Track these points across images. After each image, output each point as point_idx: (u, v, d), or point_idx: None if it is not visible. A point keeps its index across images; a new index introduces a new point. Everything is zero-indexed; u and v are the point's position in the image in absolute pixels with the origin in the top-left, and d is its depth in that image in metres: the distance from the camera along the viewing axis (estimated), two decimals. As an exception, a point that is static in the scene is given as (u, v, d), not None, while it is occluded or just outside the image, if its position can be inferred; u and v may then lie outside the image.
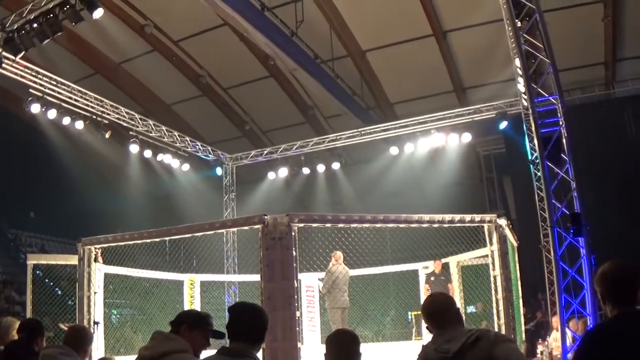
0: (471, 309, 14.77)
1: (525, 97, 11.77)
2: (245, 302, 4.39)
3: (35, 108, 15.21)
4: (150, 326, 14.14)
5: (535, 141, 9.73)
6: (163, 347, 4.35)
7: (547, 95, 9.82)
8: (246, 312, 4.05)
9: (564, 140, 9.61)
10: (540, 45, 10.09)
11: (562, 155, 9.62)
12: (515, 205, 22.39)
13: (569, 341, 9.58)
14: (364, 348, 12.05)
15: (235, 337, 3.93)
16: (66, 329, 13.00)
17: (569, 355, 9.27)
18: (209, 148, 21.22)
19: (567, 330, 9.68)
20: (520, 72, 12.65)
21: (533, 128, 9.67)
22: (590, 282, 9.18)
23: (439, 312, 4.11)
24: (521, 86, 14.44)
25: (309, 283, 15.33)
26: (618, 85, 21.20)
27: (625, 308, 3.37)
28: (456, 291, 13.90)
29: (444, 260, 14.59)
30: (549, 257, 15.71)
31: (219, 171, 21.81)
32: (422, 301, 12.03)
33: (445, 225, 9.60)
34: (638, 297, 3.40)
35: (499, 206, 23.99)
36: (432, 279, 14.50)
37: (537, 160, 10.61)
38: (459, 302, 13.53)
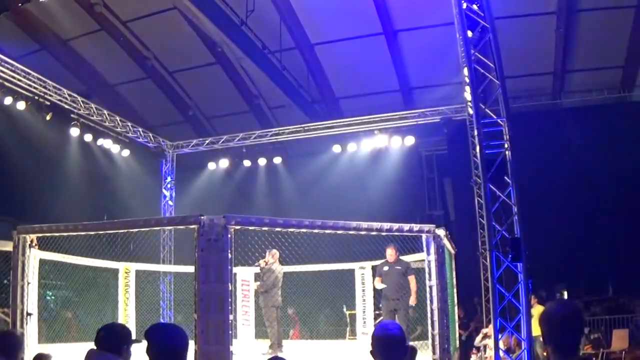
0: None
1: (471, 105, 11.83)
2: (163, 323, 4.28)
3: (-23, 87, 14.90)
4: (86, 309, 13.99)
5: (479, 162, 9.76)
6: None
7: (494, 117, 9.86)
8: (164, 335, 3.90)
9: (508, 164, 9.66)
10: (492, 65, 10.11)
11: (506, 177, 9.68)
12: (455, 206, 22.64)
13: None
14: (298, 345, 12.09)
15: None
16: (1, 315, 12.84)
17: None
18: (150, 135, 20.96)
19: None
20: (467, 81, 12.74)
21: (477, 149, 9.71)
22: (526, 306, 9.29)
23: (393, 346, 4.03)
24: (467, 95, 14.55)
25: (245, 277, 15.28)
26: (565, 96, 21.47)
27: (563, 358, 3.35)
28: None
29: (378, 262, 13.73)
30: (485, 264, 15.96)
31: (159, 159, 21.54)
32: (358, 297, 12.04)
33: (384, 234, 9.57)
34: (580, 344, 3.38)
35: (438, 206, 24.23)
36: (386, 269, 12.67)
37: (479, 182, 10.68)
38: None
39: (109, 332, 4.52)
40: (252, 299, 15.12)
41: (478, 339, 14.34)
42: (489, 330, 13.59)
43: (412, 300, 12.13)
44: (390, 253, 12.55)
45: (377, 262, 13.87)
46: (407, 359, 4.19)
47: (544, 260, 19.31)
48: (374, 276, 13.56)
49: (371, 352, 4.11)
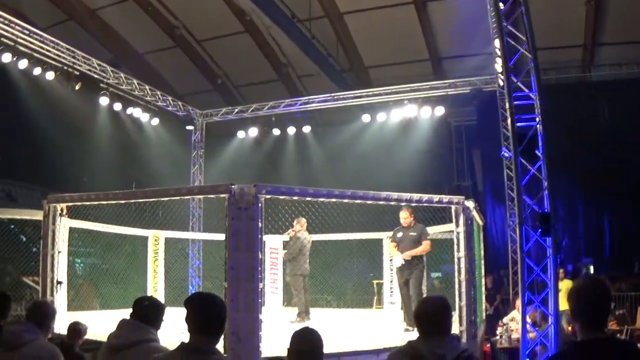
0: (433, 275, 14.90)
1: (502, 77, 11.71)
2: (202, 293, 4.33)
3: (6, 57, 15.00)
4: (115, 277, 14.13)
5: (510, 135, 9.69)
6: (132, 336, 4.34)
7: (526, 91, 9.75)
8: (205, 304, 3.96)
9: (539, 138, 9.57)
10: (523, 38, 9.97)
11: (536, 151, 9.59)
12: (483, 178, 22.55)
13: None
14: (326, 313, 12.12)
15: (194, 331, 3.86)
16: (29, 282, 13.04)
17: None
18: (180, 103, 21.01)
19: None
20: (499, 52, 12.61)
21: (509, 122, 9.61)
22: (554, 281, 9.25)
23: (434, 321, 4.16)
24: (498, 66, 14.42)
25: (273, 245, 15.36)
26: (595, 70, 21.21)
27: (591, 334, 3.37)
28: None
29: None
30: (514, 236, 15.92)
31: (188, 127, 21.59)
32: (385, 267, 11.80)
33: (413, 204, 9.56)
34: (607, 321, 3.40)
35: (467, 177, 24.13)
36: (400, 235, 11.55)
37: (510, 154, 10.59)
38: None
39: (150, 301, 4.60)
40: (281, 267, 15.21)
41: (507, 318, 14.31)
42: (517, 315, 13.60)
43: (406, 255, 11.11)
44: (404, 216, 11.41)
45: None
46: None
47: (571, 235, 19.29)
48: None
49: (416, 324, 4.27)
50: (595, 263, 19.66)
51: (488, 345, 13.72)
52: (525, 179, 9.44)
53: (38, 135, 20.86)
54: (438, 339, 4.08)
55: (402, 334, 10.25)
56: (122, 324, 4.52)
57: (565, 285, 13.12)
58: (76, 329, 8.02)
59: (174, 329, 6.42)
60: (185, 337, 3.91)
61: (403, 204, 9.61)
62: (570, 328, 13.67)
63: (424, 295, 10.88)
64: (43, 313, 5.25)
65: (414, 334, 4.20)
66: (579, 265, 19.32)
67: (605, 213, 19.48)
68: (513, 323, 13.39)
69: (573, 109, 18.58)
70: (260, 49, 22.60)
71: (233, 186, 8.09)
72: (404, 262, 11.24)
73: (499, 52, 12.88)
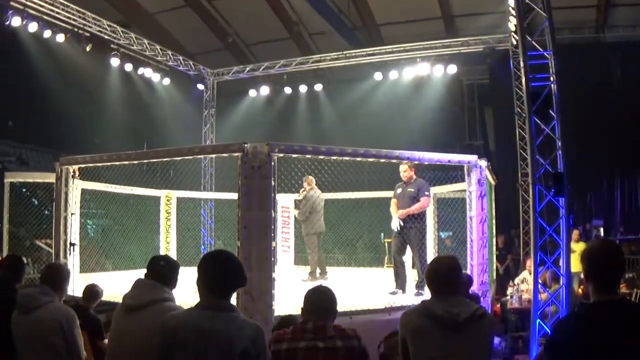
0: (444, 234, 14.91)
1: (515, 36, 11.61)
2: (216, 252, 4.34)
3: (16, 21, 14.97)
4: (127, 238, 14.21)
5: (522, 94, 9.62)
6: (148, 296, 4.37)
7: (541, 50, 9.65)
8: (219, 263, 3.99)
9: (554, 98, 9.49)
10: (539, -2, 9.84)
11: (550, 111, 9.52)
12: (495, 137, 22.49)
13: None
14: (337, 272, 12.09)
15: (212, 289, 3.89)
16: (42, 246, 13.14)
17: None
18: (191, 63, 20.96)
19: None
20: (513, 12, 12.49)
21: (523, 81, 9.53)
22: (566, 241, 9.24)
23: (447, 281, 4.22)
24: (512, 25, 14.28)
25: (285, 204, 15.39)
26: (608, 30, 20.96)
27: (604, 295, 3.37)
28: (430, 219, 13.29)
29: None
30: (525, 196, 15.89)
31: (200, 86, 21.55)
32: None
33: (426, 163, 9.52)
34: (620, 283, 3.40)
35: (478, 136, 24.06)
36: (399, 190, 10.78)
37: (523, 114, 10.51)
38: (432, 230, 13.61)
39: (166, 261, 4.62)
40: (292, 225, 15.25)
41: (518, 279, 14.33)
42: (528, 275, 13.62)
43: (401, 214, 10.34)
44: (403, 170, 10.58)
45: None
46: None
47: (582, 196, 19.23)
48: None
49: (428, 284, 4.35)
50: (605, 225, 19.64)
51: (498, 305, 13.78)
52: (540, 139, 9.39)
53: (49, 98, 20.84)
54: (451, 298, 4.12)
55: (414, 293, 10.26)
56: (138, 283, 4.55)
57: (579, 247, 13.08)
58: (92, 291, 8.06)
59: (186, 289, 6.48)
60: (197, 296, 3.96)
61: (416, 162, 9.52)
62: (580, 290, 13.71)
63: (433, 257, 10.76)
64: (57, 275, 5.29)
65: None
66: (589, 227, 19.31)
67: (616, 175, 19.42)
68: (523, 284, 13.43)
69: (586, 70, 18.44)
70: (271, 7, 22.40)
71: (246, 145, 8.09)
72: (401, 224, 10.39)
73: (513, 12, 12.74)
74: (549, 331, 8.66)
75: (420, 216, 10.46)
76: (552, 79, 9.64)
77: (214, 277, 3.92)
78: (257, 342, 3.76)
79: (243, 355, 3.66)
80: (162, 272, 4.54)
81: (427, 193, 10.51)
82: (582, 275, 3.68)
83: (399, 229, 10.43)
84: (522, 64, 9.60)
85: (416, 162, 9.93)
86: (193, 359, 3.73)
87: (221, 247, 16.52)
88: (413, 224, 10.35)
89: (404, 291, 10.40)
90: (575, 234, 14.10)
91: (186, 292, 6.46)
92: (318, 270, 13.10)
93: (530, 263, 13.01)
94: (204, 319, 3.78)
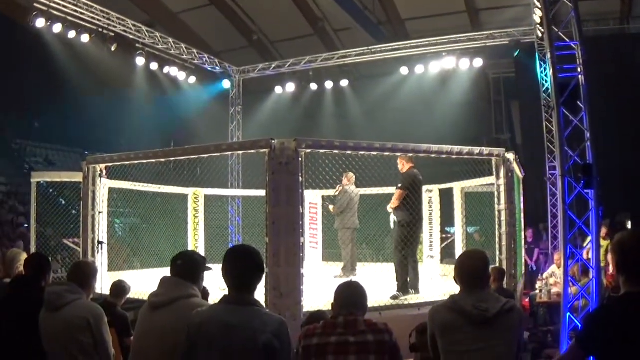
0: (471, 229, 14.83)
1: (541, 29, 11.51)
2: (241, 246, 4.36)
3: (40, 22, 15.13)
4: (155, 236, 14.27)
5: (549, 86, 9.53)
6: (172, 293, 4.38)
7: (567, 41, 9.55)
8: (242, 257, 4.02)
9: (581, 89, 9.39)
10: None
11: (578, 103, 9.42)
12: (522, 130, 22.36)
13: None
14: (366, 267, 11.94)
15: (234, 284, 3.93)
16: (70, 245, 13.23)
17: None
18: (216, 60, 21.03)
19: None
20: (538, 4, 12.39)
21: (551, 73, 9.44)
22: (596, 234, 9.14)
23: (476, 275, 4.22)
24: (537, 17, 14.16)
25: (313, 200, 15.39)
26: (633, 21, 20.77)
27: (635, 287, 3.33)
28: (458, 214, 13.53)
29: (447, 185, 13.75)
30: (553, 190, 15.77)
31: (226, 84, 21.61)
32: (429, 220, 11.17)
33: (454, 157, 9.46)
34: None
35: (505, 130, 23.94)
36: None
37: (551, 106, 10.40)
38: (460, 224, 13.57)
39: (184, 259, 4.62)
40: (320, 222, 15.25)
41: (547, 273, 14.24)
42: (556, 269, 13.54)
43: (389, 207, 10.12)
44: (398, 164, 10.39)
45: (444, 186, 13.95)
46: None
47: (608, 188, 19.04)
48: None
49: (454, 277, 4.34)
50: (633, 216, 19.43)
51: (527, 299, 13.69)
52: (568, 130, 9.30)
53: (75, 99, 21.04)
54: (480, 292, 4.11)
55: (442, 288, 10.22)
56: (163, 281, 4.55)
57: (606, 243, 12.93)
58: (119, 287, 8.11)
59: (215, 285, 6.49)
60: (226, 293, 3.99)
61: (444, 156, 9.43)
62: (607, 284, 13.59)
63: (420, 260, 10.56)
64: (84, 273, 5.29)
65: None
66: (617, 219, 19.12)
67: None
68: (552, 278, 13.34)
69: (611, 61, 18.27)
70: (295, 3, 22.44)
71: (274, 141, 8.09)
72: (394, 218, 10.11)
73: (538, 3, 12.63)
74: (580, 325, 8.58)
75: (406, 209, 9.86)
76: (579, 69, 9.54)
77: (233, 272, 3.95)
78: (281, 336, 3.76)
79: (267, 349, 3.67)
80: (185, 270, 4.53)
81: (400, 185, 9.98)
82: (608, 269, 3.65)
83: (393, 223, 10.15)
84: (549, 54, 9.50)
85: (422, 155, 9.52)
86: (218, 354, 3.74)
87: (250, 244, 16.55)
88: (399, 220, 9.96)
89: (406, 292, 9.68)
90: (603, 231, 13.93)
91: (214, 288, 6.50)
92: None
93: (558, 257, 12.89)
94: (227, 314, 3.80)
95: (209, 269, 4.70)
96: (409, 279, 9.75)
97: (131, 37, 17.54)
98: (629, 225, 18.51)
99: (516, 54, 18.13)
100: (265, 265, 7.55)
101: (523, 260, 14.12)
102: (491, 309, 3.98)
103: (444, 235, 14.37)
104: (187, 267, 4.55)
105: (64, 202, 14.28)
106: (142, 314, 4.53)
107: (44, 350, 4.91)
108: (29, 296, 5.27)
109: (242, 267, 3.96)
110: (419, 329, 5.14)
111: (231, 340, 3.71)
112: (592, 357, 3.50)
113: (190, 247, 15.13)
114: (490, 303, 4.03)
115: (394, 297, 9.32)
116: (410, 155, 9.89)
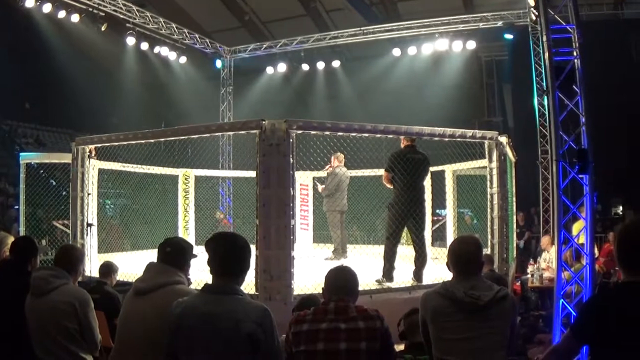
0: (464, 211, 14.80)
1: (535, 12, 11.42)
2: (223, 233, 4.28)
3: (30, 2, 15.03)
4: (146, 217, 14.18)
5: (547, 70, 9.41)
6: (158, 279, 4.31)
7: (564, 24, 9.45)
8: (227, 245, 3.95)
9: (577, 72, 9.29)
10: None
11: (574, 87, 9.32)
12: (514, 113, 22.33)
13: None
14: (357, 249, 11.76)
15: (217, 272, 3.88)
16: (60, 227, 13.13)
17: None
18: (207, 40, 20.90)
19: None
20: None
21: (546, 56, 9.30)
22: (590, 219, 9.08)
23: (469, 261, 4.16)
24: (531, 0, 14.08)
25: (303, 181, 15.30)
26: (627, 7, 20.70)
27: (633, 276, 3.27)
28: (450, 197, 13.41)
29: (439, 168, 13.41)
30: (545, 174, 15.73)
31: (218, 64, 21.51)
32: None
33: (446, 139, 9.37)
34: None
35: (497, 112, 23.91)
36: None
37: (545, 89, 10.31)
38: (451, 207, 13.52)
39: (172, 246, 4.55)
40: (311, 203, 15.16)
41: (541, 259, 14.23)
42: (545, 241, 13.52)
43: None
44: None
45: (435, 168, 13.67)
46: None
47: (600, 173, 19.03)
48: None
49: (447, 263, 4.29)
50: (624, 202, 19.47)
51: (518, 283, 13.67)
52: (563, 114, 9.22)
53: (65, 80, 20.88)
54: (473, 278, 4.07)
55: (434, 271, 10.17)
56: (149, 267, 4.49)
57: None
58: (106, 267, 8.06)
59: (204, 269, 6.43)
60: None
61: (436, 138, 9.33)
62: (600, 271, 13.56)
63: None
64: (71, 257, 5.23)
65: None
66: (609, 203, 19.17)
67: (635, 150, 19.19)
68: (544, 262, 13.32)
69: (604, 46, 18.20)
70: (287, -17, 22.34)
71: (264, 122, 7.98)
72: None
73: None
74: (574, 312, 8.54)
75: (395, 190, 9.58)
76: (575, 53, 9.45)
77: (216, 259, 3.90)
78: (264, 325, 3.70)
79: (250, 338, 3.63)
80: (171, 256, 4.46)
81: (387, 167, 9.54)
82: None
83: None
84: (544, 37, 9.40)
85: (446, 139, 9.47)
86: (200, 344, 3.69)
87: (240, 226, 16.52)
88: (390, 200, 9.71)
89: (389, 279, 9.21)
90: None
91: (204, 272, 6.43)
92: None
93: (545, 240, 12.84)
94: (208, 304, 3.75)
95: (195, 256, 4.62)
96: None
97: (121, 16, 17.40)
98: (620, 210, 18.56)
99: (509, 36, 18.03)
100: (255, 248, 7.55)
101: (514, 244, 14.10)
102: (483, 297, 3.93)
103: (434, 218, 14.31)
104: (174, 254, 4.48)
105: (54, 183, 14.17)
106: (127, 299, 4.46)
107: (29, 336, 4.85)
108: (14, 282, 5.19)
109: (224, 254, 3.90)
110: (407, 315, 5.11)
111: (213, 330, 3.67)
112: (585, 346, 3.46)
113: (180, 229, 15.05)
114: (482, 290, 3.98)
115: (378, 282, 9.18)
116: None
